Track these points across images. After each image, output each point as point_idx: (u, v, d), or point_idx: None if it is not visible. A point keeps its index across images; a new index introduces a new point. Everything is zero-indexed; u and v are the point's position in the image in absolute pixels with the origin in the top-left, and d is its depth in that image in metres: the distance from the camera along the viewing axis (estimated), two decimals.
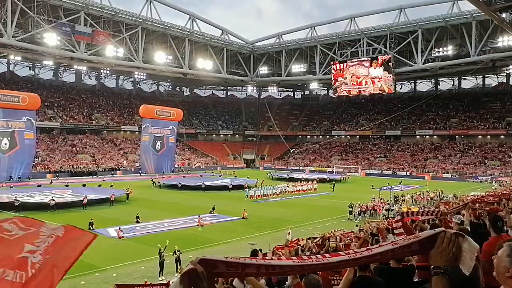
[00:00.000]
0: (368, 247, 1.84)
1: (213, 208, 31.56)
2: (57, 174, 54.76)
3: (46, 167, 56.90)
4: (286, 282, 5.36)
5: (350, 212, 30.69)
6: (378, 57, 68.04)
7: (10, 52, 61.00)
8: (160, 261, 17.70)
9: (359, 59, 70.04)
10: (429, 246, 1.71)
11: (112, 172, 60.56)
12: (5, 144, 49.25)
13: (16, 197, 32.26)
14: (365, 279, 3.63)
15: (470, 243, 1.69)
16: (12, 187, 43.19)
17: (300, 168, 73.89)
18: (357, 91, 72.64)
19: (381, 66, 67.88)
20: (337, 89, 74.04)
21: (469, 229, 4.78)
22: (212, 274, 1.58)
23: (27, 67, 76.33)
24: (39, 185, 44.53)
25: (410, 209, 24.88)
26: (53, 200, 31.82)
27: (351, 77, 71.35)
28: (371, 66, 68.72)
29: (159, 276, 17.25)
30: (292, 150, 72.55)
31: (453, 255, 1.67)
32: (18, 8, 52.37)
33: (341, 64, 71.80)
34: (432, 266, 1.71)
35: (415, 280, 3.76)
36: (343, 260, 1.76)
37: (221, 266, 1.59)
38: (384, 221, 16.39)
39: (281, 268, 1.73)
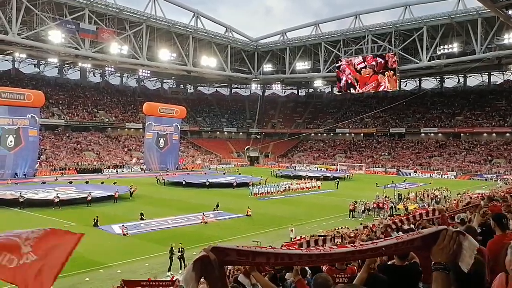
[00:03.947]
0: (373, 241, 1.88)
1: (217, 206, 31.60)
2: (62, 171, 55.21)
3: (51, 164, 57.19)
4: (288, 280, 5.35)
5: (351, 212, 30.16)
6: (384, 54, 67.71)
7: (15, 50, 61.29)
8: (170, 256, 18.08)
9: (363, 56, 69.74)
10: (431, 242, 1.77)
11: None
12: (11, 141, 49.54)
13: (20, 193, 32.50)
14: (369, 276, 3.61)
15: (470, 241, 1.73)
16: (17, 184, 43.49)
17: (304, 166, 73.87)
18: (362, 86, 71.85)
19: (385, 64, 67.46)
20: (341, 84, 73.48)
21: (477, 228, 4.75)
22: (223, 262, 1.63)
23: (32, 65, 76.67)
24: (43, 182, 44.80)
25: (416, 209, 24.81)
26: (58, 197, 32.01)
27: (353, 69, 70.95)
28: (374, 62, 68.38)
29: (168, 272, 17.57)
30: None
31: (454, 252, 1.72)
32: (23, 6, 52.58)
33: (345, 58, 71.42)
34: (433, 262, 1.76)
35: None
36: (350, 251, 1.82)
37: (233, 254, 1.63)
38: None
39: (290, 258, 1.75)
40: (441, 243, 1.72)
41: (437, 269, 1.72)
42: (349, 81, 71.96)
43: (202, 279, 1.62)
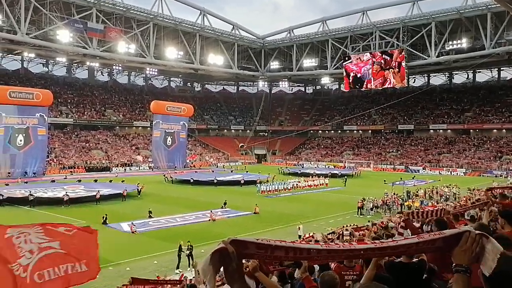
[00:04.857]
0: (394, 239, 1.85)
1: (225, 203, 31.65)
2: (71, 170, 55.72)
3: (60, 162, 57.67)
4: (296, 277, 5.33)
5: (359, 209, 29.96)
6: (389, 51, 67.14)
7: (24, 49, 61.85)
8: (178, 253, 18.22)
9: (371, 52, 69.18)
10: (453, 244, 1.74)
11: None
12: (20, 140, 50.10)
13: (30, 192, 32.82)
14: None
15: (494, 245, 1.69)
16: (26, 182, 43.92)
17: (311, 163, 73.70)
18: (368, 81, 71.16)
19: (391, 60, 66.83)
20: (350, 80, 72.90)
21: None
22: (242, 255, 1.62)
23: (41, 64, 77.21)
24: (53, 181, 45.18)
25: (419, 207, 24.55)
26: (67, 195, 32.28)
27: (360, 68, 70.38)
28: (382, 60, 67.80)
29: (176, 269, 17.72)
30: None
31: (476, 255, 1.69)
32: (32, 6, 53.03)
33: (353, 55, 70.87)
34: (454, 264, 1.73)
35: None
36: (369, 248, 1.79)
37: (252, 247, 1.61)
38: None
39: (309, 252, 1.73)
40: (463, 245, 1.69)
41: (458, 271, 1.70)
42: (358, 75, 70.77)
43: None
